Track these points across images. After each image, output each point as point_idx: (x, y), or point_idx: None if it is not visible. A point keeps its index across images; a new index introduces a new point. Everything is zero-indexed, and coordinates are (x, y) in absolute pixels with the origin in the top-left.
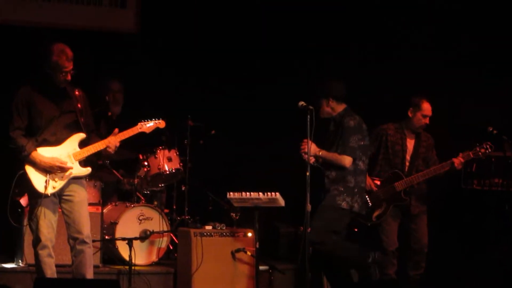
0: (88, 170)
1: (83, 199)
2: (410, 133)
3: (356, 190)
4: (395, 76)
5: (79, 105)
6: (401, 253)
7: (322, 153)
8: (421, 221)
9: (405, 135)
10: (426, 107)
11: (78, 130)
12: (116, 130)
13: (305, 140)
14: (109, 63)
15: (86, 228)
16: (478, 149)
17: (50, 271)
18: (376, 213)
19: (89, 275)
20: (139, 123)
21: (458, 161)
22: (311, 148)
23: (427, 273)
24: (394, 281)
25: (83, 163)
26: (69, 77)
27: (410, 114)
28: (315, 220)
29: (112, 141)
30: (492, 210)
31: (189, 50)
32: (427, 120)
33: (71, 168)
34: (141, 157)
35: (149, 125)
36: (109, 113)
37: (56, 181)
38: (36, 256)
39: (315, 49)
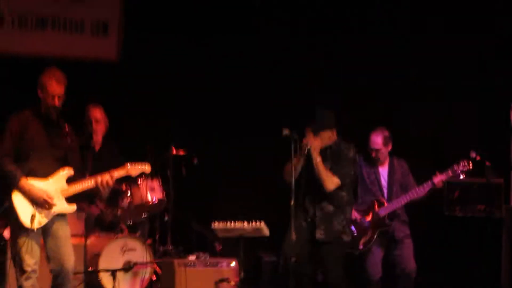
0: (73, 208)
1: (67, 235)
2: (380, 163)
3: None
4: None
5: (68, 140)
6: (385, 282)
7: (319, 159)
8: (406, 246)
9: (375, 164)
10: (373, 140)
11: (66, 165)
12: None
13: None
14: (90, 92)
15: (71, 263)
16: (455, 166)
17: None
18: (362, 241)
19: None
20: (126, 164)
21: (437, 179)
22: (316, 144)
23: None
24: None
25: (68, 199)
26: (56, 102)
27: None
28: (336, 263)
29: (104, 181)
30: (475, 236)
31: (169, 78)
32: (379, 152)
33: (55, 205)
34: (124, 188)
35: (135, 169)
36: (92, 144)
37: (42, 217)
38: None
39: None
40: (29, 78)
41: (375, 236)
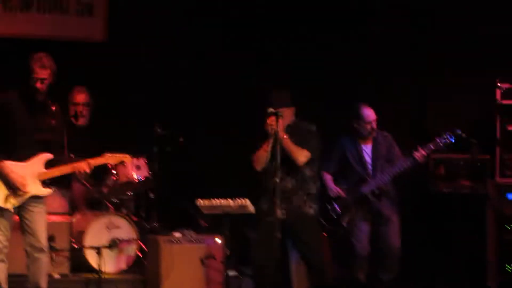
0: (48, 191)
1: (43, 210)
2: (364, 139)
3: (316, 196)
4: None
5: (53, 122)
6: (373, 256)
7: (286, 135)
8: (393, 224)
9: (359, 143)
10: (366, 113)
11: (48, 149)
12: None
13: (272, 117)
14: (76, 73)
15: (45, 237)
16: (438, 140)
17: (3, 276)
18: (346, 219)
19: (44, 283)
20: (105, 153)
21: (418, 154)
22: (280, 123)
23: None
24: (364, 285)
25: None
26: (38, 85)
27: (356, 126)
28: (308, 241)
29: (81, 168)
30: (460, 212)
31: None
32: (373, 125)
33: (28, 192)
34: (109, 165)
35: (114, 158)
36: (76, 125)
37: (16, 199)
38: None
39: None
40: (16, 59)
41: (359, 214)
